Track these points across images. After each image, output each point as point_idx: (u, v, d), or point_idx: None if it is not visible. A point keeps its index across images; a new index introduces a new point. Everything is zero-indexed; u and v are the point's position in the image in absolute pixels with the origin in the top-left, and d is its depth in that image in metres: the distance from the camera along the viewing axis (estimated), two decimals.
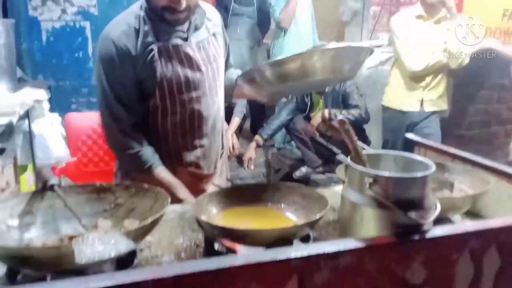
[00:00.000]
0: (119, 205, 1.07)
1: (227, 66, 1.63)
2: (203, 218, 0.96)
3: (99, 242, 0.67)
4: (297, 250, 0.68)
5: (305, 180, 3.54)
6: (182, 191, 1.42)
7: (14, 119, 2.08)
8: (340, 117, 3.02)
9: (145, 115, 1.41)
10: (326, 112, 3.10)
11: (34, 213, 1.01)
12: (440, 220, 0.89)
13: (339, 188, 1.46)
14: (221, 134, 1.60)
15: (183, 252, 1.03)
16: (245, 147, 3.58)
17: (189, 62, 1.37)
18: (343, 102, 3.13)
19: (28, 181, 2.60)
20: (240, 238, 0.92)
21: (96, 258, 0.62)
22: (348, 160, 1.25)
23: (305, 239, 1.02)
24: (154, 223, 0.90)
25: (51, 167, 3.06)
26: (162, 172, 1.42)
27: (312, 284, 0.68)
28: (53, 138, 2.96)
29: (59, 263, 0.69)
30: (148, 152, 1.40)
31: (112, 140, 1.42)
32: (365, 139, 3.17)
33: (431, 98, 2.96)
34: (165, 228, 1.16)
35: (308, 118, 3.31)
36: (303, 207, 1.11)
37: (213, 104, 1.48)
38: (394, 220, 0.79)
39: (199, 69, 1.40)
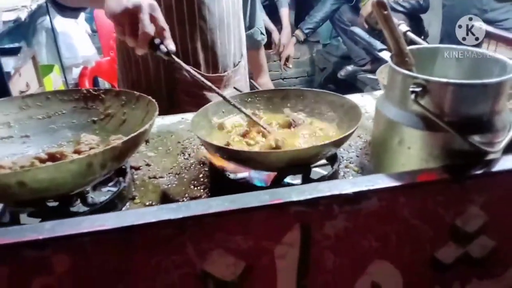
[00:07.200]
0: (109, 116, 0.91)
1: None
2: (200, 134, 0.78)
3: None
4: (301, 191, 0.49)
5: (351, 80, 3.28)
6: None
7: (23, 14, 1.91)
8: (391, 3, 2.59)
9: None
10: None
11: (11, 125, 0.87)
12: None
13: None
14: (237, 37, 1.28)
15: (185, 172, 0.88)
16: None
17: None
18: None
19: (55, 83, 2.51)
20: (245, 162, 0.74)
21: None
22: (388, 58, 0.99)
23: (332, 161, 0.83)
24: (136, 141, 0.73)
25: (81, 67, 2.96)
26: None
27: (322, 235, 0.50)
28: (78, 35, 2.80)
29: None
30: None
31: None
32: (421, 32, 2.75)
33: None
34: (172, 142, 1.01)
35: (356, 8, 2.91)
36: (333, 118, 0.89)
37: None
38: (448, 146, 0.56)
39: None
